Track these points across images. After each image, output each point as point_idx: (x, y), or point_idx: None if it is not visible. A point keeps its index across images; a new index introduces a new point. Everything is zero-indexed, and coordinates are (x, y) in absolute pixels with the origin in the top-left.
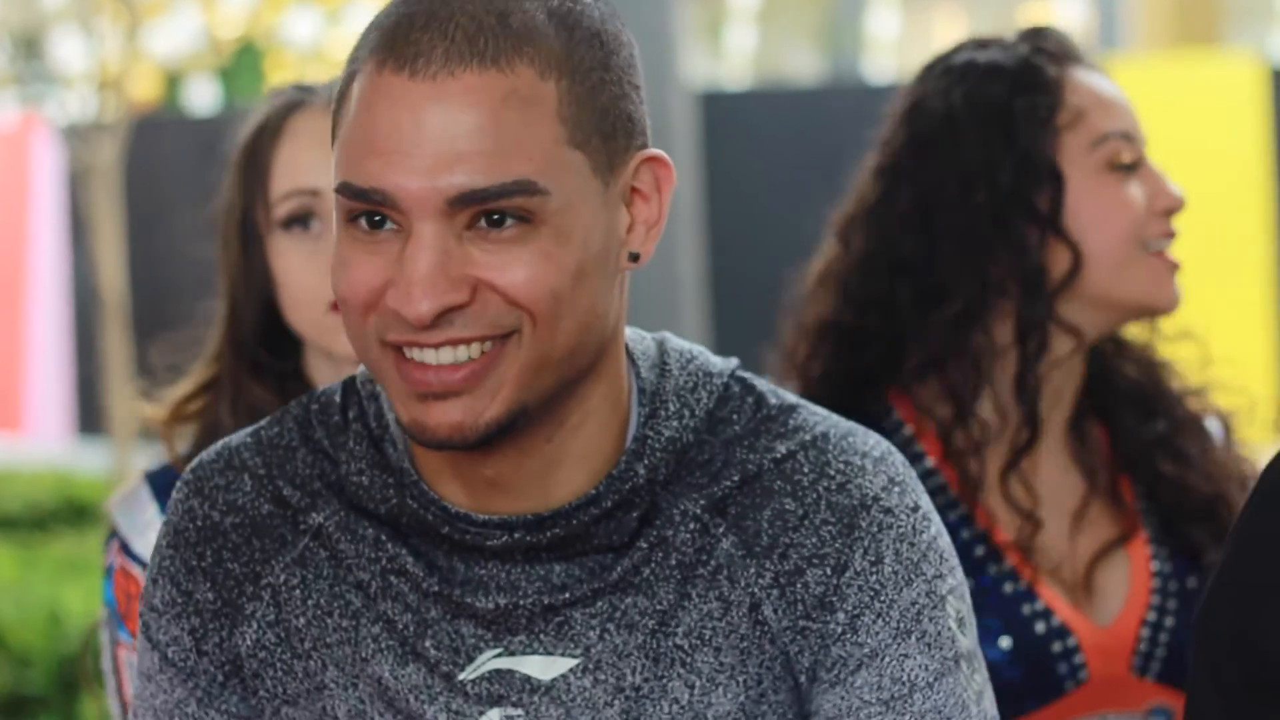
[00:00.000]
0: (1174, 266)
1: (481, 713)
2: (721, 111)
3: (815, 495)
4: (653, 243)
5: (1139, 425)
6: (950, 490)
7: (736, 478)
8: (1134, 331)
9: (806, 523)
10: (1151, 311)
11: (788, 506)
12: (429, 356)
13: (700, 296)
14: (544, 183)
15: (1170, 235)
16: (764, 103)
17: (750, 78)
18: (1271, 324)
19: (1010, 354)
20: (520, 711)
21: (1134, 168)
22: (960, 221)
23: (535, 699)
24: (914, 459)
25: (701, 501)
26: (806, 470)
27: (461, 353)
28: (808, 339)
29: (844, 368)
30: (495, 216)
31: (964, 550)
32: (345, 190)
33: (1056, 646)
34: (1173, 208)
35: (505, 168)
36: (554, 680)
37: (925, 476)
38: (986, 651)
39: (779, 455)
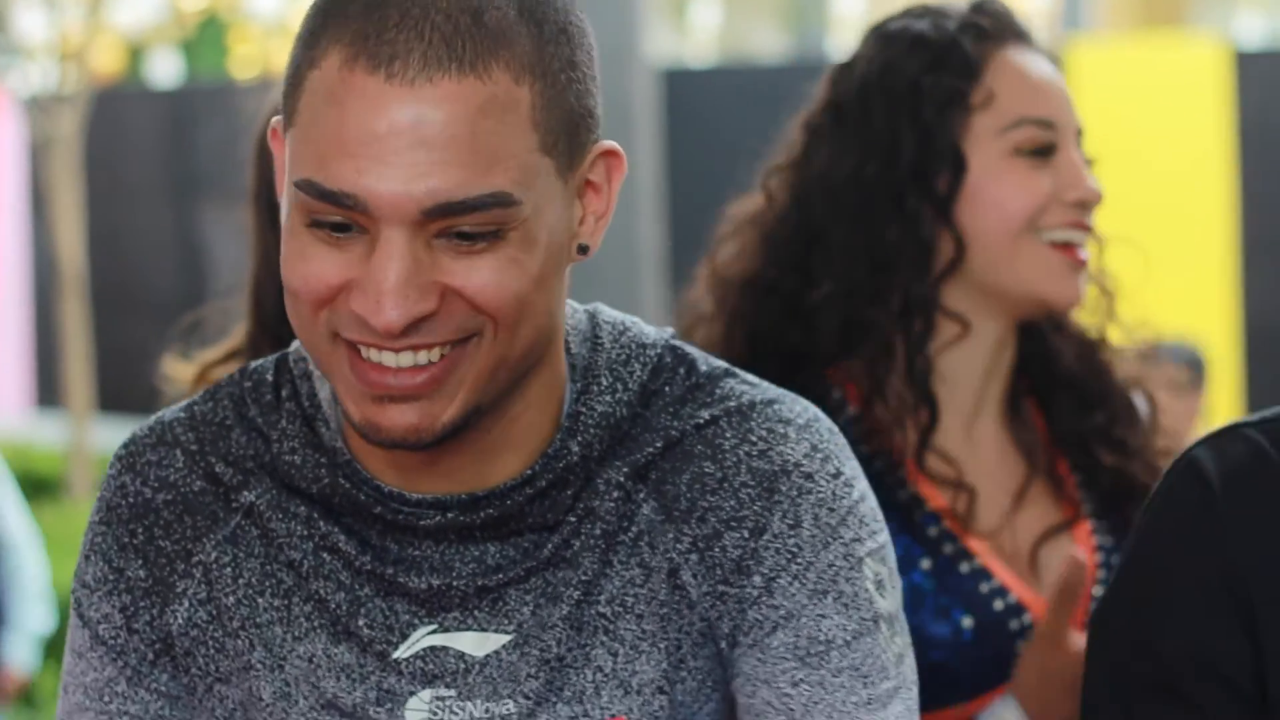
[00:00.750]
0: (1078, 263)
1: (413, 693)
2: (685, 89)
3: (735, 459)
4: (600, 234)
5: (1076, 413)
6: (901, 469)
7: (660, 444)
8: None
9: (725, 485)
10: (1045, 306)
11: (707, 469)
12: (389, 359)
13: (661, 275)
14: (518, 193)
15: (1079, 228)
16: (728, 80)
17: (714, 55)
18: (1232, 305)
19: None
20: (452, 692)
21: (1048, 154)
22: (854, 195)
23: (468, 679)
24: (861, 440)
25: (625, 469)
26: (729, 435)
27: (423, 356)
28: (733, 289)
29: (774, 332)
30: (466, 232)
31: (919, 529)
32: (310, 189)
33: (1014, 624)
34: (1087, 200)
35: (482, 180)
36: (486, 656)
37: (875, 457)
38: (950, 632)
39: (702, 421)
